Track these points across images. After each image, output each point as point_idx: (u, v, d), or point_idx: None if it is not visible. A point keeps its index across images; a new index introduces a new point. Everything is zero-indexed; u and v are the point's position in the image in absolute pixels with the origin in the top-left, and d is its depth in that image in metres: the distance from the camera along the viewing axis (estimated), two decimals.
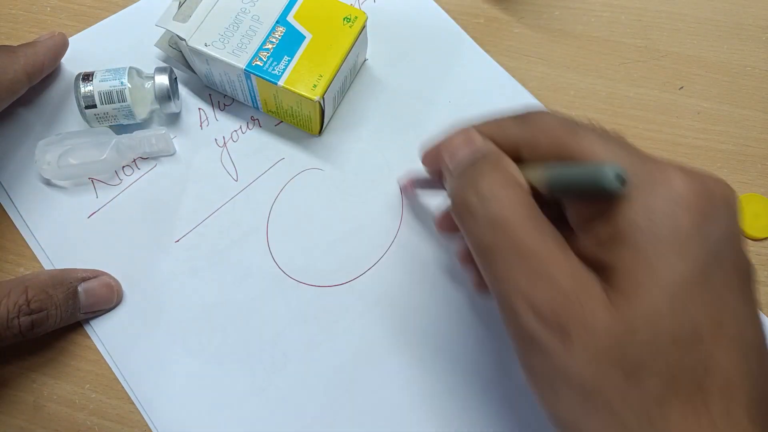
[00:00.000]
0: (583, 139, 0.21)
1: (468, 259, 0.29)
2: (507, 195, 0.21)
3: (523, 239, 0.20)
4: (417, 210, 0.34)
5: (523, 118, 0.24)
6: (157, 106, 0.35)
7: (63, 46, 0.36)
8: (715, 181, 0.20)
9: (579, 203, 0.22)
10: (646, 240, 0.19)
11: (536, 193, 0.22)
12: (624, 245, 0.19)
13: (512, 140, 0.23)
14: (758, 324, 0.20)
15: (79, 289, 0.30)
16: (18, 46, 0.34)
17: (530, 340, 0.20)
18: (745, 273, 0.20)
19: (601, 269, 0.20)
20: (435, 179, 0.29)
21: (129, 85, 0.33)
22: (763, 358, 0.19)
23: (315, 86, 0.32)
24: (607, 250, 0.20)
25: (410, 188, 0.34)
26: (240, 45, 0.33)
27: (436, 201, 0.34)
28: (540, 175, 0.22)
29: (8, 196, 0.34)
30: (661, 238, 0.18)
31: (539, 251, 0.20)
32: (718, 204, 0.19)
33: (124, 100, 0.33)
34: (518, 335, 0.20)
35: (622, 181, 0.18)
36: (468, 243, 0.22)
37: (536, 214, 0.21)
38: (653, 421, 0.17)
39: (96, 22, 0.39)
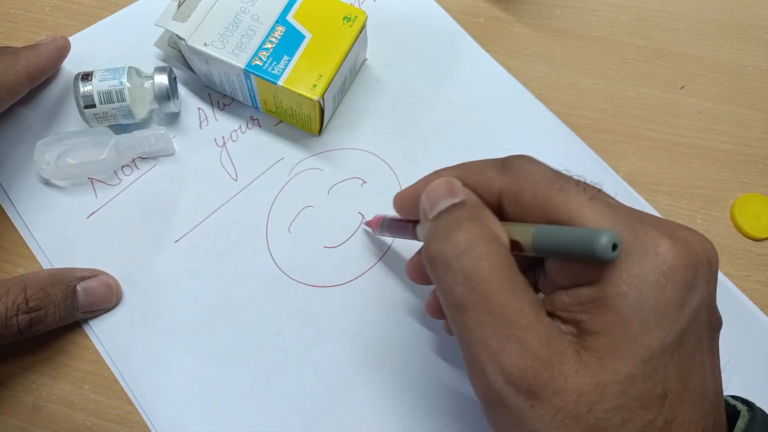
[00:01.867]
0: (570, 199, 0.21)
1: (437, 311, 0.28)
2: (484, 249, 0.20)
3: (496, 297, 0.20)
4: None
5: (507, 166, 0.23)
6: (157, 106, 0.35)
7: (65, 49, 0.36)
8: (699, 243, 0.20)
9: (562, 263, 0.21)
10: (630, 308, 0.19)
11: (516, 245, 0.21)
12: (607, 310, 0.19)
13: (494, 190, 0.23)
14: (718, 375, 0.21)
15: (78, 288, 0.30)
16: (20, 48, 0.34)
17: (497, 400, 0.19)
18: (715, 328, 0.21)
19: (575, 326, 0.20)
20: (404, 225, 0.28)
21: (128, 85, 0.33)
22: (720, 409, 0.20)
23: (315, 86, 0.32)
24: (586, 312, 0.20)
25: (375, 228, 0.32)
26: (239, 44, 0.33)
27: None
28: (526, 233, 0.21)
29: (7, 196, 0.34)
30: (645, 308, 0.19)
31: (512, 311, 0.19)
32: (701, 270, 0.19)
33: (123, 100, 0.33)
34: (485, 393, 0.20)
35: (615, 247, 0.18)
36: (439, 294, 0.22)
37: (512, 272, 0.20)
38: None
39: (95, 22, 0.39)
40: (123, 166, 0.35)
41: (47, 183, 0.35)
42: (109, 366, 0.31)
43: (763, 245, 0.35)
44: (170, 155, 0.36)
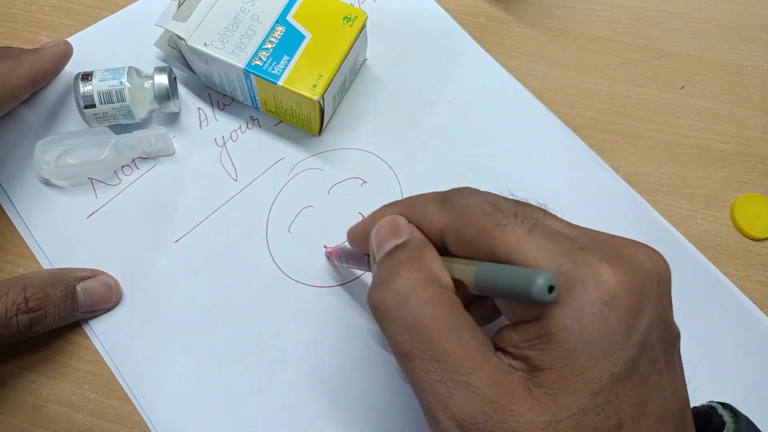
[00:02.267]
0: (508, 234, 0.20)
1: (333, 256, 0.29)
2: (425, 295, 0.20)
3: (439, 344, 0.19)
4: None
5: (447, 202, 0.22)
6: (157, 106, 0.35)
7: (67, 54, 0.36)
8: (647, 260, 0.20)
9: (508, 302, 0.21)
10: (576, 342, 0.18)
11: (459, 284, 0.21)
12: (553, 346, 0.19)
13: (436, 227, 0.22)
14: (681, 389, 0.20)
15: (78, 288, 0.30)
16: (23, 51, 0.34)
17: None
18: (671, 345, 0.20)
19: (525, 362, 0.19)
20: (360, 258, 0.28)
21: (128, 85, 0.33)
22: (686, 425, 0.20)
23: (315, 86, 0.32)
24: (534, 348, 0.19)
25: (334, 259, 0.32)
26: (239, 44, 0.33)
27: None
28: (468, 272, 0.21)
29: (7, 196, 0.34)
30: (590, 340, 0.18)
31: (456, 356, 0.19)
32: (648, 291, 0.19)
33: (123, 100, 0.33)
34: None
35: (552, 289, 0.18)
36: (386, 343, 0.21)
37: (455, 315, 0.20)
38: None
39: (95, 22, 0.39)
40: (123, 166, 0.35)
41: (47, 183, 0.35)
42: (109, 366, 0.31)
43: (763, 245, 0.35)
44: (170, 155, 0.36)
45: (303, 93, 0.32)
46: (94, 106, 0.33)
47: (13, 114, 0.36)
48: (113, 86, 0.33)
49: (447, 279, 0.21)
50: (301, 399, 0.30)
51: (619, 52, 0.39)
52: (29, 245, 0.33)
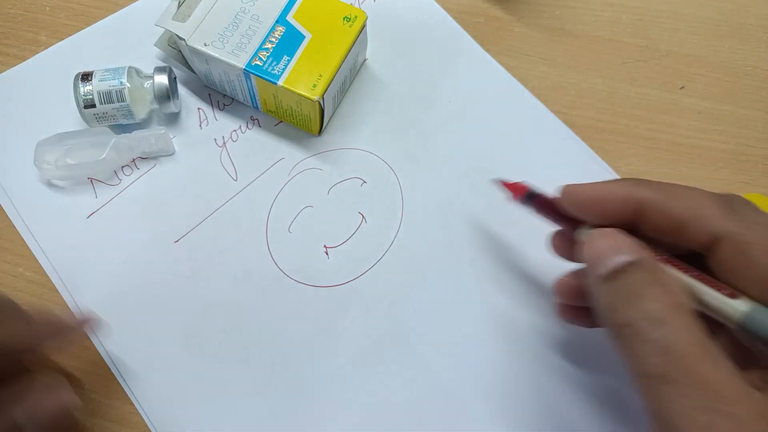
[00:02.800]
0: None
1: (563, 248, 0.27)
2: (678, 321, 0.19)
3: (699, 370, 0.19)
4: (418, 212, 0.34)
5: (731, 205, 0.21)
6: (157, 106, 0.35)
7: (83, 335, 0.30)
8: None
9: None
10: None
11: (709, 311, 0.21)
12: None
13: (712, 229, 0.21)
14: None
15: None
16: (39, 320, 0.27)
17: None
18: None
19: None
20: (562, 220, 0.26)
21: (128, 85, 0.33)
22: None
23: (315, 86, 0.32)
24: None
25: (516, 197, 0.28)
26: (239, 45, 0.33)
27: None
28: (734, 309, 0.20)
29: (7, 196, 0.34)
30: None
31: (720, 385, 0.18)
32: None
33: (123, 100, 0.33)
34: None
35: None
36: (628, 363, 0.21)
37: (709, 344, 0.19)
38: None
39: (95, 22, 0.39)
40: (123, 166, 0.35)
41: (47, 183, 0.35)
42: (109, 366, 0.31)
43: None
44: (170, 155, 0.36)
45: (303, 93, 0.32)
46: (94, 106, 0.33)
47: (13, 114, 0.36)
48: (113, 86, 0.33)
49: (689, 303, 0.20)
50: (301, 399, 0.30)
51: (619, 52, 0.39)
52: (29, 245, 0.33)
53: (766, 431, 0.18)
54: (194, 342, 0.31)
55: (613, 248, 0.22)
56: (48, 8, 0.40)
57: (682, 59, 0.39)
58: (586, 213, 0.24)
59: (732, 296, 0.20)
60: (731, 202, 0.22)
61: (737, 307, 0.20)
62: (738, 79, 0.39)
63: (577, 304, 0.27)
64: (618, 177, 0.36)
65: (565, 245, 0.27)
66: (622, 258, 0.21)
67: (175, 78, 0.36)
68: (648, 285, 0.20)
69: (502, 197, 0.30)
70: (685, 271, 0.21)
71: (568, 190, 0.25)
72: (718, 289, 0.20)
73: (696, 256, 0.22)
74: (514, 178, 0.29)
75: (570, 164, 0.36)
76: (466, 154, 0.36)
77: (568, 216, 0.26)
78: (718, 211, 0.21)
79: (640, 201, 0.23)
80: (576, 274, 0.27)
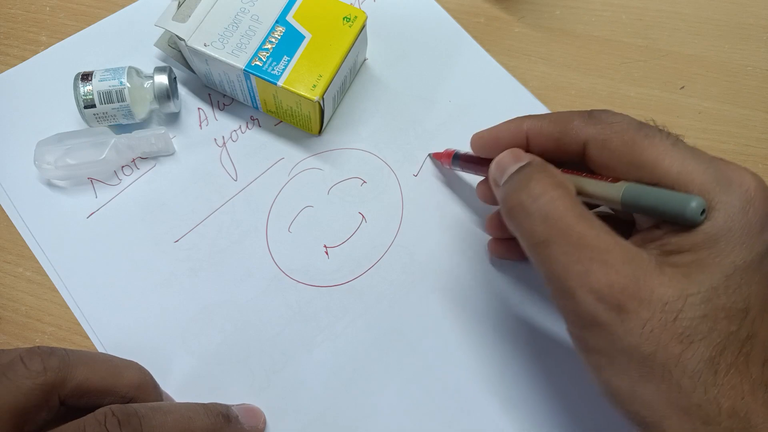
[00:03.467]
0: (655, 144, 0.23)
1: (496, 227, 0.31)
2: (555, 192, 0.23)
3: (574, 228, 0.22)
4: (420, 207, 0.34)
5: (591, 115, 0.25)
6: (157, 106, 0.35)
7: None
8: None
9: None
10: (719, 229, 0.21)
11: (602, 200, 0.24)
12: (695, 232, 0.21)
13: (580, 138, 0.25)
14: None
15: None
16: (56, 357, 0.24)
17: (589, 320, 0.21)
18: None
19: (662, 247, 0.22)
20: (481, 162, 0.30)
21: (128, 85, 0.33)
22: None
23: (314, 86, 0.32)
24: (676, 234, 0.21)
25: (445, 162, 0.34)
26: (239, 45, 0.33)
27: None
28: (614, 189, 0.23)
29: (7, 196, 0.34)
30: (731, 228, 0.21)
31: (591, 238, 0.21)
32: None
33: (123, 100, 0.33)
34: (577, 317, 0.22)
35: (703, 212, 0.21)
36: (521, 240, 0.24)
37: (583, 209, 0.22)
38: (705, 381, 0.20)
39: (95, 22, 0.39)
40: (123, 166, 0.35)
41: (47, 183, 0.35)
42: None
43: None
44: (170, 155, 0.36)
45: (303, 93, 0.32)
46: (94, 106, 0.33)
47: (14, 114, 0.36)
48: (113, 86, 0.33)
49: (572, 187, 0.24)
50: (301, 399, 0.30)
51: (619, 52, 0.39)
52: (29, 245, 0.33)
53: (632, 270, 0.21)
54: (194, 342, 0.31)
55: (511, 158, 0.26)
56: (48, 8, 0.40)
57: (682, 59, 0.39)
58: (491, 151, 0.28)
59: (613, 182, 0.23)
60: (591, 113, 0.25)
61: (617, 187, 0.23)
62: (738, 78, 0.39)
63: (504, 236, 0.31)
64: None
65: (488, 191, 0.31)
66: (519, 164, 0.25)
67: (175, 78, 0.36)
68: (535, 173, 0.24)
69: (439, 167, 0.35)
70: (575, 173, 0.25)
71: (474, 137, 0.30)
72: (601, 179, 0.24)
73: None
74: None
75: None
76: None
77: (482, 161, 0.30)
78: (582, 122, 0.25)
79: (525, 131, 0.27)
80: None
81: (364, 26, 0.34)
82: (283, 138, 0.36)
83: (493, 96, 0.38)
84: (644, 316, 0.20)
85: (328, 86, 0.33)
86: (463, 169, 0.32)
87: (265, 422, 0.30)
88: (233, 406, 0.28)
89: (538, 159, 0.25)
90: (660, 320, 0.20)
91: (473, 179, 0.35)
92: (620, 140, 0.23)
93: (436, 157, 0.35)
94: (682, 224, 0.21)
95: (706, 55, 0.39)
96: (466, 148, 0.36)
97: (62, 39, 0.39)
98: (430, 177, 0.35)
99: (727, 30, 0.40)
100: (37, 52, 0.38)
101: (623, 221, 0.26)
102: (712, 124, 0.37)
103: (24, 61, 0.38)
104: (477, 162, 0.31)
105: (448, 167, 0.34)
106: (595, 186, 0.24)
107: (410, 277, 0.33)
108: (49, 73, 0.37)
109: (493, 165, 0.26)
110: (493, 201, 0.31)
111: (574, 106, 0.37)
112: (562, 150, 0.26)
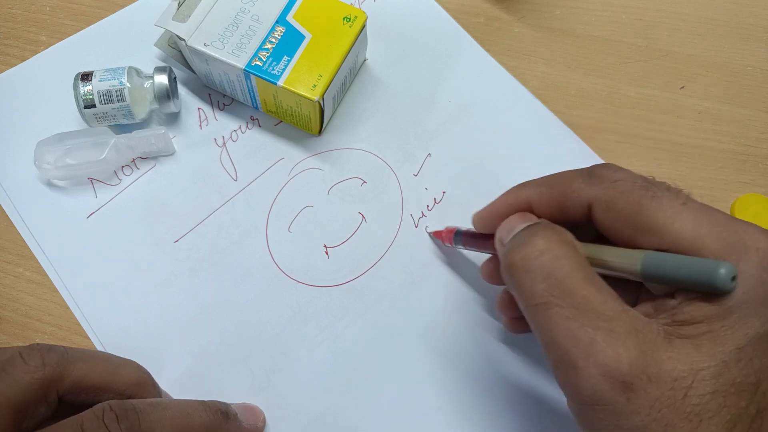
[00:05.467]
0: (664, 205, 0.21)
1: (493, 275, 0.29)
2: (561, 250, 0.21)
3: (579, 291, 0.20)
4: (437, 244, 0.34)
5: (595, 176, 0.23)
6: (157, 106, 0.35)
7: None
8: None
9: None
10: (735, 300, 0.19)
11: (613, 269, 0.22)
12: (710, 303, 0.20)
13: (583, 200, 0.23)
14: None
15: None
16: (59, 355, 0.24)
17: (592, 398, 0.19)
18: None
19: (673, 317, 0.20)
20: (484, 238, 0.28)
21: (128, 85, 0.33)
22: None
23: (314, 86, 0.32)
24: (690, 304, 0.20)
25: (446, 241, 0.32)
26: (239, 45, 0.33)
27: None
28: (632, 258, 0.21)
29: (7, 196, 0.34)
30: (746, 300, 0.19)
31: (597, 303, 0.20)
32: None
33: (123, 100, 0.33)
34: (578, 393, 0.20)
35: (734, 279, 0.19)
36: (519, 301, 0.22)
37: (590, 270, 0.21)
38: None
39: (95, 22, 0.39)
40: (123, 166, 0.35)
41: (47, 183, 0.35)
42: None
43: None
44: (170, 155, 0.36)
45: (303, 93, 0.32)
46: (94, 106, 0.33)
47: (14, 114, 0.36)
48: (113, 86, 0.33)
49: (580, 247, 0.22)
50: (301, 399, 0.30)
51: (619, 52, 0.39)
52: (29, 245, 0.33)
53: (639, 343, 0.19)
54: (194, 342, 0.31)
55: (520, 218, 0.24)
56: (48, 8, 0.40)
57: (682, 59, 0.39)
58: (494, 228, 0.26)
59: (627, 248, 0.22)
60: (592, 171, 0.24)
61: (635, 256, 0.21)
62: (738, 78, 0.39)
63: (518, 315, 0.28)
64: None
65: (494, 269, 0.29)
66: (528, 223, 0.23)
67: (175, 78, 0.36)
68: (541, 230, 0.22)
69: (438, 245, 0.34)
70: (588, 244, 0.23)
71: (475, 216, 0.28)
72: (616, 247, 0.22)
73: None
74: (440, 227, 0.33)
75: (570, 164, 0.36)
76: (465, 153, 0.36)
77: (485, 237, 0.28)
78: (583, 183, 0.23)
79: (526, 200, 0.25)
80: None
81: (364, 26, 0.34)
82: (283, 138, 0.36)
83: (493, 96, 0.38)
84: (653, 395, 0.18)
85: (328, 86, 0.33)
86: (466, 246, 0.30)
87: (264, 421, 0.30)
88: (233, 404, 0.28)
89: (546, 221, 0.24)
90: (669, 398, 0.18)
91: (473, 177, 0.35)
92: (625, 201, 0.22)
93: (436, 236, 0.33)
94: (710, 293, 0.20)
95: (706, 55, 0.39)
96: (466, 147, 0.36)
97: (62, 39, 0.39)
98: (430, 177, 0.35)
99: (727, 30, 0.40)
100: (37, 52, 0.38)
101: (623, 284, 0.24)
102: (712, 124, 0.37)
103: (24, 61, 0.38)
104: (480, 238, 0.29)
105: (449, 245, 0.32)
106: (609, 253, 0.22)
107: (410, 277, 0.33)
108: (49, 73, 0.37)
109: (501, 226, 0.25)
110: (499, 281, 0.29)
111: (574, 106, 0.37)
112: (566, 214, 0.24)
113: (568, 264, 0.21)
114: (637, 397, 0.19)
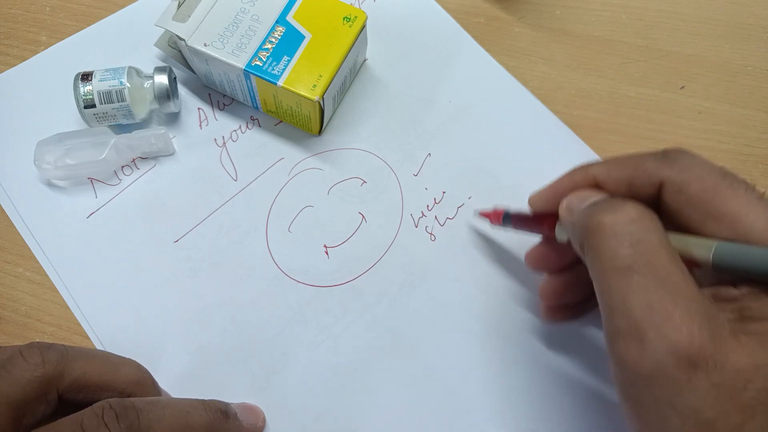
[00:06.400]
0: (739, 195, 0.21)
1: (541, 261, 0.29)
2: (652, 224, 0.21)
3: (666, 266, 0.20)
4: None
5: (670, 157, 0.23)
6: (157, 106, 0.35)
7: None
8: None
9: None
10: None
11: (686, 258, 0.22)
12: None
13: (655, 180, 0.23)
14: None
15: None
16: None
17: (652, 371, 0.19)
18: None
19: (737, 312, 0.20)
20: (539, 219, 0.28)
21: (128, 85, 0.33)
22: None
23: (314, 86, 0.32)
24: (758, 300, 0.20)
25: (495, 222, 0.31)
26: (239, 45, 0.33)
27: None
28: (704, 247, 0.21)
29: (8, 196, 0.34)
30: None
31: (678, 281, 0.20)
32: None
33: (123, 100, 0.33)
34: (638, 364, 0.19)
35: None
36: (595, 263, 0.22)
37: (675, 251, 0.21)
38: None
39: (95, 22, 0.39)
40: (123, 166, 0.35)
41: (47, 183, 0.35)
42: None
43: None
44: (170, 155, 0.36)
45: (303, 93, 0.32)
46: (94, 106, 0.33)
47: (14, 114, 0.36)
48: (113, 86, 0.33)
49: (663, 228, 0.22)
50: (301, 399, 0.30)
51: (619, 52, 0.39)
52: (29, 245, 0.33)
53: (711, 330, 0.19)
54: (194, 342, 0.31)
55: (592, 192, 0.24)
56: (48, 8, 0.40)
57: (682, 59, 0.39)
58: (555, 206, 0.26)
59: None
60: (666, 152, 0.23)
61: (706, 245, 0.21)
62: (738, 78, 0.39)
63: (559, 303, 0.29)
64: None
65: (546, 254, 0.29)
66: (602, 196, 0.23)
67: (175, 78, 0.36)
68: (630, 201, 0.22)
69: (485, 224, 0.33)
70: None
71: (533, 197, 0.28)
72: (686, 234, 0.22)
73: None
74: (488, 206, 0.32)
75: (570, 164, 0.36)
76: (466, 153, 0.36)
77: (541, 218, 0.28)
78: (656, 163, 0.23)
79: (592, 177, 0.25)
80: (552, 274, 0.29)
81: (364, 26, 0.34)
82: (283, 138, 0.36)
83: (493, 96, 0.38)
84: (715, 380, 0.18)
85: (328, 86, 0.33)
86: (516, 227, 0.30)
87: (264, 421, 0.30)
88: (233, 404, 0.28)
89: (621, 196, 0.23)
90: (729, 387, 0.18)
91: (473, 177, 0.35)
92: (700, 186, 0.22)
93: (485, 216, 0.32)
94: None
95: (706, 55, 0.39)
96: (466, 147, 0.36)
97: (62, 39, 0.39)
98: (430, 177, 0.35)
99: (727, 30, 0.40)
100: (37, 52, 0.38)
101: None
102: (712, 124, 0.37)
103: (24, 61, 0.38)
104: (533, 218, 0.28)
105: (497, 225, 0.31)
106: (678, 240, 0.22)
107: (410, 277, 0.33)
108: (49, 73, 0.37)
109: (569, 196, 0.25)
110: (548, 268, 0.29)
111: (574, 106, 0.37)
112: (634, 194, 0.24)
113: (656, 237, 0.20)
114: (698, 379, 0.19)
